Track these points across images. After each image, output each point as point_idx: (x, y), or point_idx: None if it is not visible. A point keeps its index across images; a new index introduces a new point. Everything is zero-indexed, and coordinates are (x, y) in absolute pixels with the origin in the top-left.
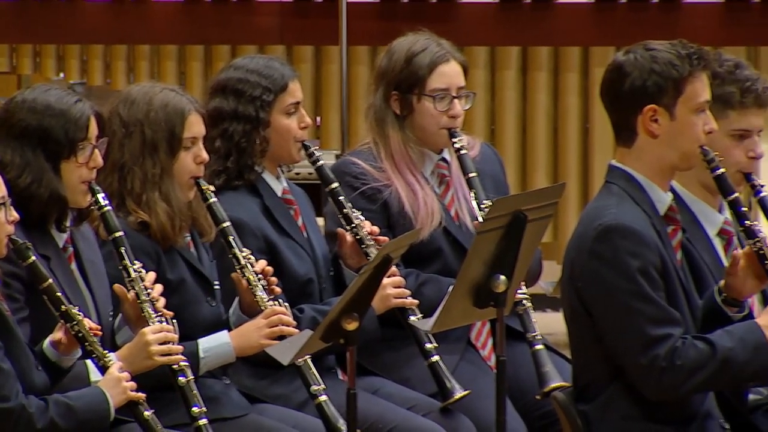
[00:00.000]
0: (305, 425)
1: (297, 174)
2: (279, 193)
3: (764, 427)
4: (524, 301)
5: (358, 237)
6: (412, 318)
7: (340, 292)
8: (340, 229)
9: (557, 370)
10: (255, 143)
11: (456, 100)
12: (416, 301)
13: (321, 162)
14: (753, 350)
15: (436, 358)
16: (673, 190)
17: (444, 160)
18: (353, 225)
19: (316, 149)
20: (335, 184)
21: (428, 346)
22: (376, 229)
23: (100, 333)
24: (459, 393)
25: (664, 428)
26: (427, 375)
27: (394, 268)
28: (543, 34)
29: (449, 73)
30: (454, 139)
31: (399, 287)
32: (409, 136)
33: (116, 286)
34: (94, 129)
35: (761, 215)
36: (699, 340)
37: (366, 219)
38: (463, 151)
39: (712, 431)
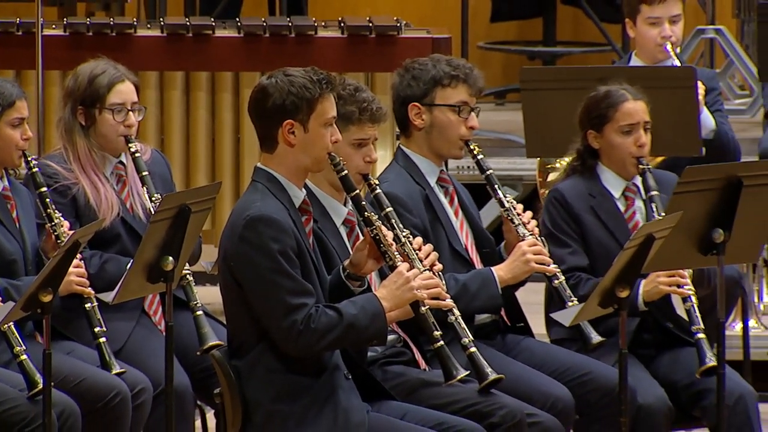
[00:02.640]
0: (9, 380)
1: None
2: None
3: (378, 377)
4: (188, 276)
5: (56, 234)
6: (88, 305)
7: None
8: (47, 226)
9: (215, 332)
10: None
11: (130, 113)
12: (92, 291)
13: (36, 169)
14: (371, 317)
15: (102, 339)
16: (307, 188)
17: (121, 162)
18: (54, 224)
19: (34, 158)
20: (44, 188)
21: (98, 329)
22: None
23: None
24: (116, 369)
25: (300, 379)
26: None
27: (81, 263)
28: (202, 61)
29: (125, 91)
30: (130, 145)
31: (81, 277)
32: (93, 142)
33: None
34: None
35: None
36: (329, 308)
37: (58, 210)
38: (137, 155)
39: (338, 380)
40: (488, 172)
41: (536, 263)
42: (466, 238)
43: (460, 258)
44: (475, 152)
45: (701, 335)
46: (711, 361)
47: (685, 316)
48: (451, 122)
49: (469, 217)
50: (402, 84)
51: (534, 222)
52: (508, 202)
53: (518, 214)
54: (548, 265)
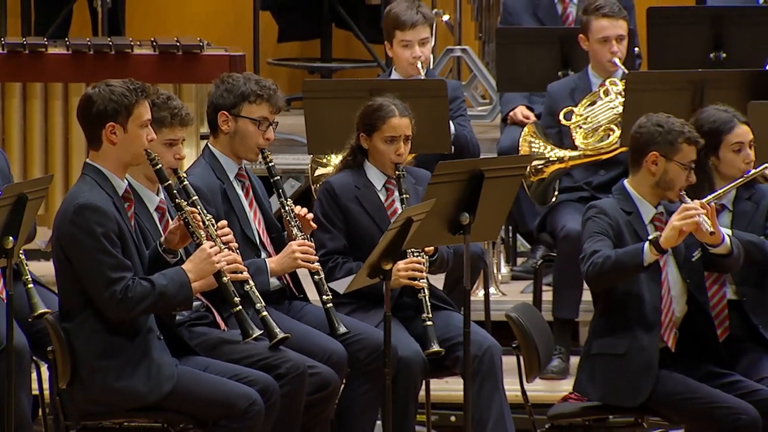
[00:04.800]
0: None
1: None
2: None
3: (185, 337)
4: (21, 256)
5: None
6: None
7: None
8: None
9: (47, 300)
10: None
11: None
12: None
13: None
14: (179, 287)
15: None
16: (126, 179)
17: None
18: None
19: None
20: None
21: None
22: None
23: None
24: None
25: (120, 339)
26: None
27: None
28: (37, 74)
29: None
30: None
31: None
32: None
33: None
34: None
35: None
36: (144, 280)
37: None
38: None
39: (151, 340)
40: (275, 179)
41: (301, 261)
42: (258, 225)
43: (250, 243)
44: (267, 159)
45: (429, 323)
46: (434, 347)
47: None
48: (251, 133)
49: (262, 208)
50: (217, 93)
51: (308, 215)
52: (288, 206)
53: (294, 217)
54: (312, 263)
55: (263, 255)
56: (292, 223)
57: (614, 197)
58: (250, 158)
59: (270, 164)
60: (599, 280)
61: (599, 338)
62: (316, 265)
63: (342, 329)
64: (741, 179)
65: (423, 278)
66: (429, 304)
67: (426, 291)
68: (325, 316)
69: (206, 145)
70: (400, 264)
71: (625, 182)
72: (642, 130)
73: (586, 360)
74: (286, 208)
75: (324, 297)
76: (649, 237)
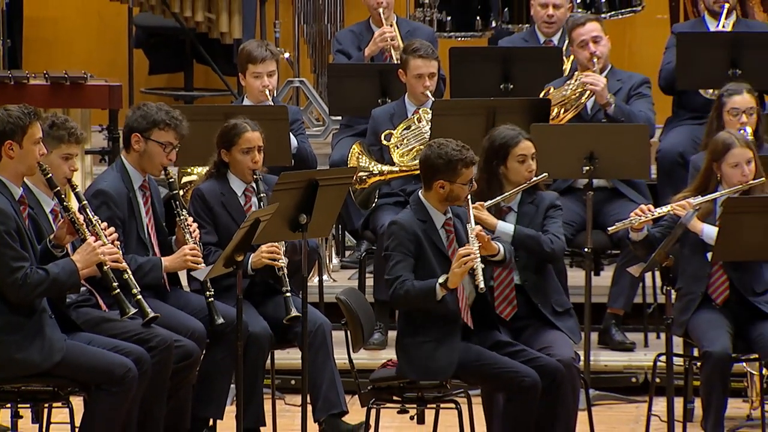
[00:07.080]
0: None
1: None
2: None
3: (72, 317)
4: None
5: None
6: None
7: None
8: None
9: None
10: None
11: None
12: None
13: None
14: (69, 274)
15: None
16: (28, 186)
17: None
18: None
19: None
20: None
21: None
22: None
23: None
24: None
25: (19, 318)
26: None
27: None
28: None
29: None
30: None
31: None
32: None
33: None
34: None
35: (73, 198)
36: (40, 269)
37: None
38: None
39: (44, 319)
40: (174, 192)
41: (191, 263)
42: (151, 229)
43: (143, 244)
44: (169, 177)
45: (288, 294)
46: (294, 313)
47: None
48: (158, 153)
49: (155, 215)
50: (133, 117)
51: (197, 232)
52: (183, 216)
53: (188, 225)
54: (198, 265)
55: (150, 254)
56: (186, 230)
57: (411, 208)
58: (154, 174)
59: (170, 181)
60: (402, 306)
61: (409, 336)
62: (201, 266)
63: (219, 320)
64: (523, 185)
65: (281, 259)
66: (287, 279)
67: (285, 269)
68: (198, 303)
69: (119, 156)
70: (263, 247)
71: (420, 194)
72: (428, 163)
73: (402, 350)
74: (182, 217)
75: (207, 293)
76: (439, 281)
